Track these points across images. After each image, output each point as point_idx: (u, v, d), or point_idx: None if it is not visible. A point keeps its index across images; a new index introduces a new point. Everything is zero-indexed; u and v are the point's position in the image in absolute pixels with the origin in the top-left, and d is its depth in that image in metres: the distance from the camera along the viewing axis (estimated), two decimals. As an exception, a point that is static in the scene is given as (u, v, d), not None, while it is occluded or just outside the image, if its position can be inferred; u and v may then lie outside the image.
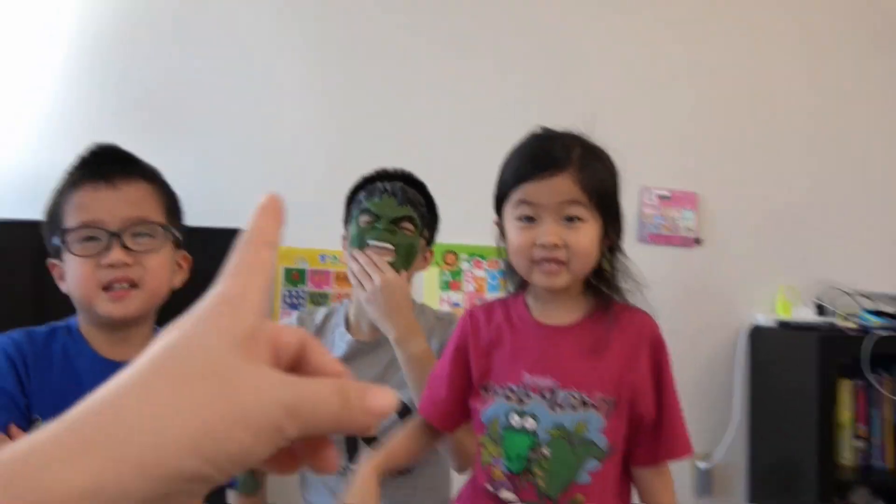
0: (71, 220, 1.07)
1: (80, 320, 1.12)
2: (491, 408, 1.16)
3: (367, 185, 1.54)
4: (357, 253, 1.46)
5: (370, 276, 1.41)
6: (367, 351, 1.52)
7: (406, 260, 1.47)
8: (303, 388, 0.30)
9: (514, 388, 1.15)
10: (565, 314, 1.18)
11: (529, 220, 1.13)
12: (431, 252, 1.59)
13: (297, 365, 0.35)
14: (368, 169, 1.57)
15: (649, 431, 1.14)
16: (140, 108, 2.17)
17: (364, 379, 1.51)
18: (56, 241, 1.07)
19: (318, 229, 1.99)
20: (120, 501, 0.25)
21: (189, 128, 2.20)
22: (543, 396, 1.12)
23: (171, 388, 0.27)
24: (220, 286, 0.32)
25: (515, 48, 2.39)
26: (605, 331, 1.14)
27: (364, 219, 1.49)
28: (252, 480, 1.45)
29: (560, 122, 1.21)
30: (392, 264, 1.44)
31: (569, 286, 1.15)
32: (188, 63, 2.22)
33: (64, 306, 1.11)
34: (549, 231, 1.10)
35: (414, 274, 1.54)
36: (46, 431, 0.26)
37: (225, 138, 2.21)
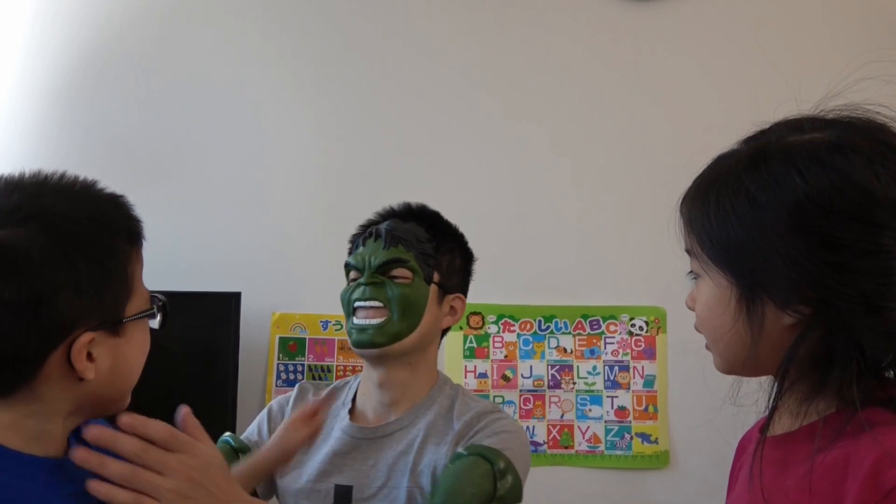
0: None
1: None
2: None
3: (361, 234, 1.24)
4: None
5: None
6: (366, 442, 1.19)
7: (406, 316, 1.14)
8: None
9: None
10: None
11: None
12: (462, 299, 1.25)
13: None
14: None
15: None
16: (124, 163, 1.98)
17: (362, 481, 1.13)
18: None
19: (320, 292, 1.81)
20: None
21: (181, 186, 2.01)
22: None
23: None
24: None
25: (533, 99, 2.09)
26: None
27: (350, 276, 1.21)
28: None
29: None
30: (384, 327, 1.13)
31: None
32: (178, 122, 2.04)
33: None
34: None
35: (441, 333, 1.22)
36: None
37: (216, 196, 2.01)
